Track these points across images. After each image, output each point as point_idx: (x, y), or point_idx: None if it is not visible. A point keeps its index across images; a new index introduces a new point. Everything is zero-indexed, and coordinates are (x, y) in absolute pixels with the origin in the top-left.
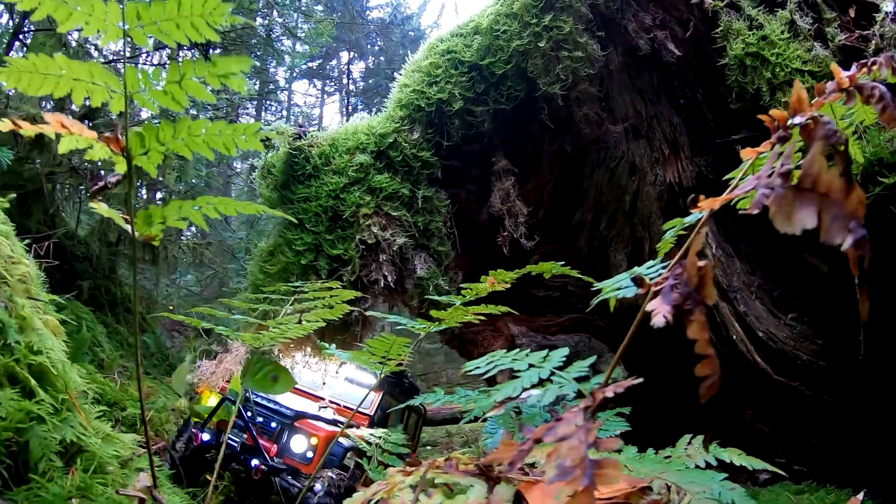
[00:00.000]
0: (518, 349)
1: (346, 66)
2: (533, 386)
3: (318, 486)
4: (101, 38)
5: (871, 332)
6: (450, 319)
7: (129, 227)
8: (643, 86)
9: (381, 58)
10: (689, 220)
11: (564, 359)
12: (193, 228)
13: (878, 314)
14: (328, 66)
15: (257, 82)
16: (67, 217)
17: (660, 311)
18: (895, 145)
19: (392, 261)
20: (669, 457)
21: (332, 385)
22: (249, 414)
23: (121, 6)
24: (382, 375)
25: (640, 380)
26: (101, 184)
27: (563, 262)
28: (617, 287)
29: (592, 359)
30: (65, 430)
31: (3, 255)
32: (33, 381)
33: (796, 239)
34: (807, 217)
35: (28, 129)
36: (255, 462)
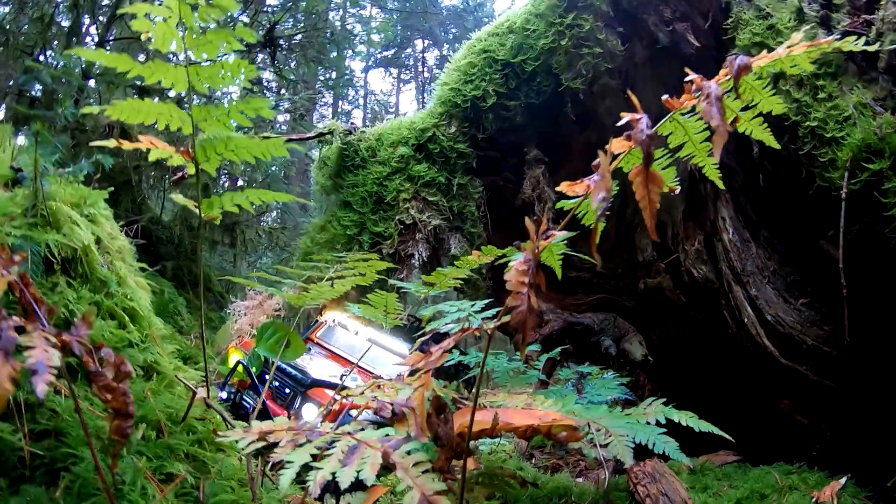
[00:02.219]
0: (478, 310)
1: (420, 55)
2: (457, 320)
3: None
4: (174, 88)
5: (867, 320)
6: (440, 284)
7: (197, 212)
8: (666, 77)
9: (456, 45)
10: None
11: (483, 306)
12: (274, 213)
13: (870, 301)
14: (403, 55)
15: (333, 72)
16: (152, 204)
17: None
18: (883, 131)
19: (427, 239)
20: (630, 414)
21: (364, 350)
22: (267, 377)
23: (185, 68)
24: (416, 346)
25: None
26: (179, 175)
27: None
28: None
29: (487, 301)
30: (146, 354)
31: (105, 232)
32: (127, 319)
33: (814, 226)
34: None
35: (127, 146)
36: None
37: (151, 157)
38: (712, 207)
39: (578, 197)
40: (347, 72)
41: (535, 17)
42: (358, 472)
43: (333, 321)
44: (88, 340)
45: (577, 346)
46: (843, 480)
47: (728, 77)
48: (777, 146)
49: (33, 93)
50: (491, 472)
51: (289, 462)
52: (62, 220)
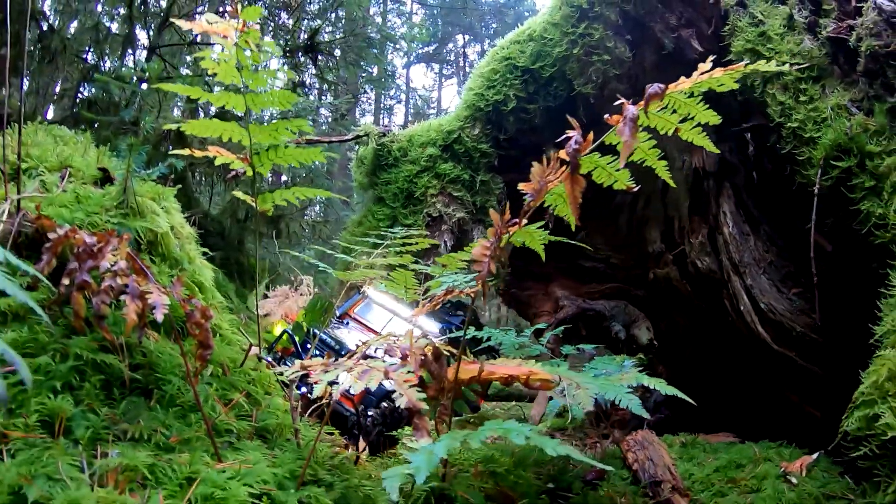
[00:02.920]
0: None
1: (461, 50)
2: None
3: (371, 413)
4: (235, 109)
5: (843, 308)
6: (450, 265)
7: (254, 206)
8: (672, 81)
9: (497, 40)
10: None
11: (472, 278)
12: (317, 207)
13: (843, 289)
14: (444, 51)
15: (375, 69)
16: (202, 199)
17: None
18: (853, 132)
19: (451, 230)
20: (609, 379)
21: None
22: (309, 346)
23: (244, 96)
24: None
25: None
26: (233, 174)
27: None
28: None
29: (473, 280)
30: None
31: (177, 221)
32: (196, 290)
33: (807, 220)
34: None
35: (198, 154)
36: (303, 389)
37: (217, 163)
38: (714, 203)
39: (527, 194)
40: (389, 68)
41: (551, 26)
42: (367, 385)
43: (371, 299)
44: (181, 294)
45: (590, 331)
46: (815, 456)
47: (657, 100)
48: (715, 150)
49: (90, 97)
50: (485, 416)
51: (320, 380)
52: (146, 211)
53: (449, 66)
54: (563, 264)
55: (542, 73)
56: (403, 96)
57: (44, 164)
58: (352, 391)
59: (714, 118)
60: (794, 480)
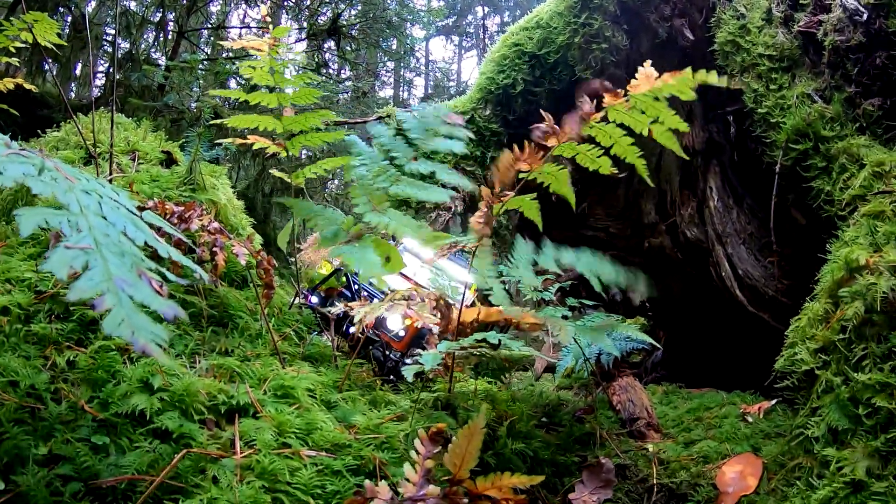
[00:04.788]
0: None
1: (481, 21)
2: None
3: (409, 361)
4: (269, 105)
5: (808, 273)
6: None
7: (290, 181)
8: (667, 67)
9: (517, 12)
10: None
11: (470, 237)
12: (336, 181)
13: (810, 257)
14: (464, 23)
15: (394, 42)
16: (232, 175)
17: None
18: (810, 118)
19: (463, 199)
20: (594, 327)
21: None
22: (356, 287)
23: (277, 94)
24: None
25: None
26: (271, 154)
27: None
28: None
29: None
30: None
31: (228, 193)
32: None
33: (789, 195)
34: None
35: (240, 141)
36: (352, 329)
37: (255, 147)
38: (702, 179)
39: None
40: (408, 42)
41: (556, 15)
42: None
43: (405, 248)
44: (253, 248)
45: (589, 292)
46: (773, 402)
47: (622, 100)
48: (683, 154)
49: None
50: (489, 357)
51: (357, 316)
52: (208, 186)
53: (468, 39)
54: (568, 233)
55: (547, 58)
56: (423, 69)
57: (115, 148)
58: (387, 326)
59: (682, 126)
60: (750, 420)
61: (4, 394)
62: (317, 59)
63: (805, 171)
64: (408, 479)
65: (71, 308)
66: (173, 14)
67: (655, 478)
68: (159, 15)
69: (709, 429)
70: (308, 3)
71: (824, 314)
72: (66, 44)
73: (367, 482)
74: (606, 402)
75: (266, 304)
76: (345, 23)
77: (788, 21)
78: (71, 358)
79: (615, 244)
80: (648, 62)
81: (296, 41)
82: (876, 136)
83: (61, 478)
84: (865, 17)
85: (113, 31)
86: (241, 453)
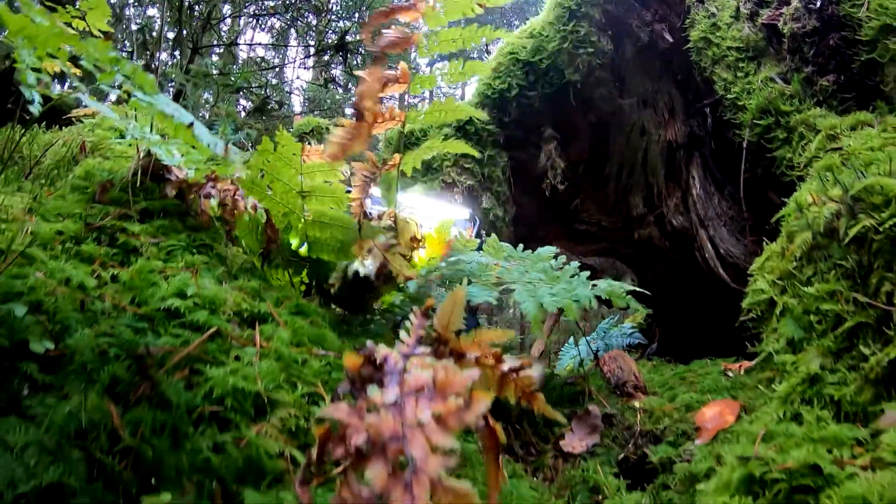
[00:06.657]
0: None
1: (484, 46)
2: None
3: None
4: None
5: None
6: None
7: None
8: (650, 68)
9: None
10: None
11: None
12: None
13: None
14: (468, 48)
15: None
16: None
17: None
18: (771, 97)
19: (462, 193)
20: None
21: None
22: None
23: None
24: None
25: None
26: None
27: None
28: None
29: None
30: None
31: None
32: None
33: (757, 169)
34: None
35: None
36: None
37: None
38: (685, 170)
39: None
40: (413, 67)
41: (547, 24)
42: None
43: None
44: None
45: None
46: (753, 362)
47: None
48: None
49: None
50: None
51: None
52: (237, 163)
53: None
54: (563, 229)
55: (539, 64)
56: (427, 93)
57: None
58: None
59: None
60: (730, 374)
61: (59, 287)
62: (324, 76)
63: (769, 143)
64: (402, 341)
65: (115, 236)
66: (186, 32)
67: (640, 424)
68: (174, 32)
69: (692, 384)
70: (315, 23)
71: (781, 250)
72: (111, 30)
73: (368, 342)
74: (598, 375)
75: (269, 248)
76: (351, 39)
77: (754, 16)
78: (115, 273)
79: (607, 237)
80: None
81: (305, 57)
82: (832, 108)
83: (105, 344)
84: (819, 4)
85: (130, 49)
86: (260, 345)
